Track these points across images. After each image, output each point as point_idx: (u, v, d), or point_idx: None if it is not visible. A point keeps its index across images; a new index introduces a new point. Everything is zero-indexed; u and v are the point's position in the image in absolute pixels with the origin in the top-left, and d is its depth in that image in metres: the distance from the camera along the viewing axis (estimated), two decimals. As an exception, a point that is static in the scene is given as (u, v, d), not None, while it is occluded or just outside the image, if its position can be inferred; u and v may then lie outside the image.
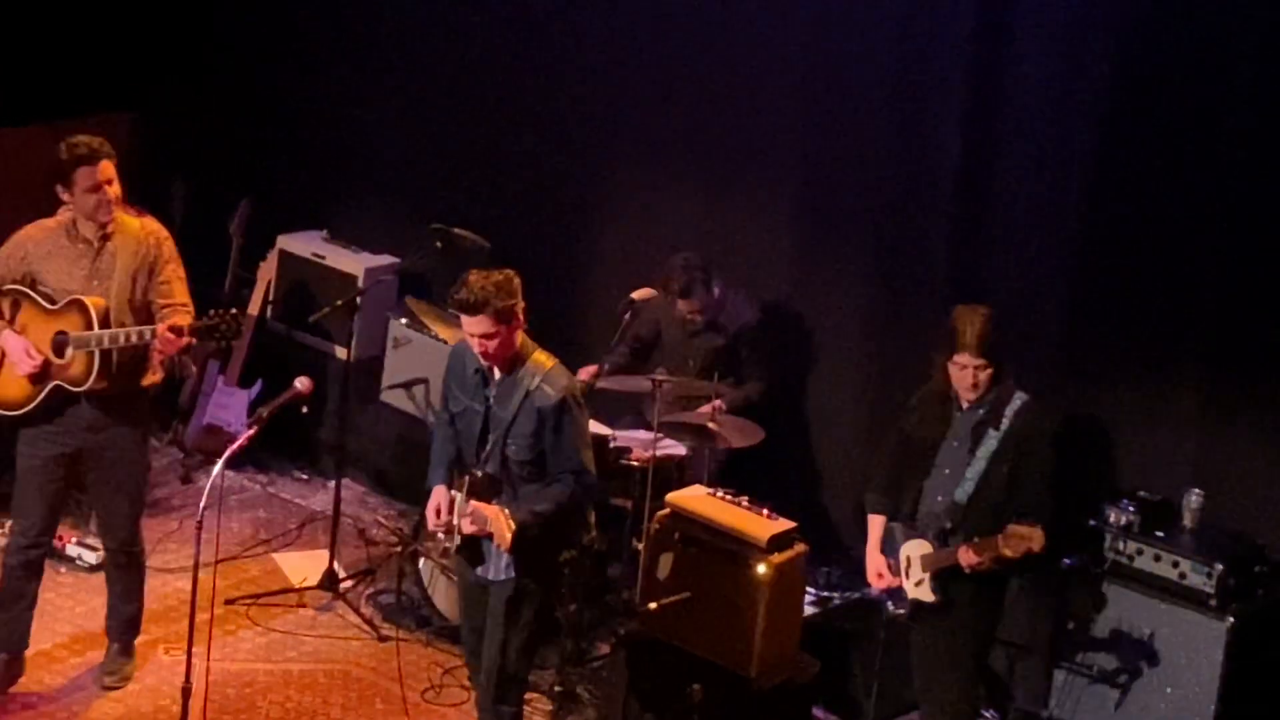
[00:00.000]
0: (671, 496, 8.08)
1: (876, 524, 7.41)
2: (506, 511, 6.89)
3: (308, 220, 10.32)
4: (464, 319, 6.89)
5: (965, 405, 7.19)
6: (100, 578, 8.51)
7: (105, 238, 7.56)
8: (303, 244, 10.19)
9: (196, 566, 6.71)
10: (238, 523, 9.50)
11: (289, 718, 8.04)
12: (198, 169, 10.55)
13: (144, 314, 7.55)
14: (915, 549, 7.24)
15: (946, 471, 7.22)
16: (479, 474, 7.01)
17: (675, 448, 8.61)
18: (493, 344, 6.88)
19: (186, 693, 6.75)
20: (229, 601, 8.72)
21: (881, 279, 8.90)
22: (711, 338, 8.87)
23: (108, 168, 7.49)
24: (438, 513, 7.06)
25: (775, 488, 8.42)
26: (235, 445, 6.97)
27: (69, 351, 7.47)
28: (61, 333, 7.48)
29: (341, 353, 9.59)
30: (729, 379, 8.79)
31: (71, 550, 8.83)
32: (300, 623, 8.73)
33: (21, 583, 7.87)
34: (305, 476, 10.04)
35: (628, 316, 8.62)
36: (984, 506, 7.12)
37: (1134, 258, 8.14)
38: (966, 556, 7.05)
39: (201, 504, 6.69)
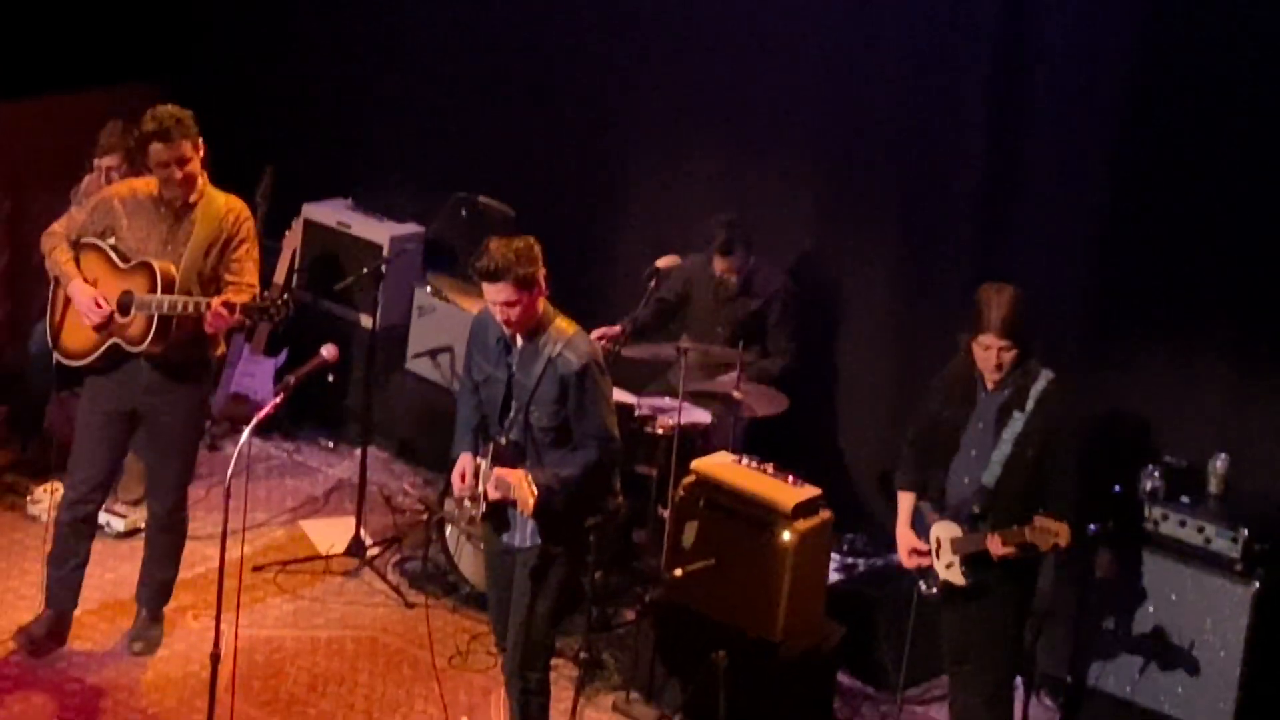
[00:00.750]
0: (697, 463, 8.10)
1: (906, 501, 7.36)
2: (530, 477, 6.89)
3: (333, 189, 10.32)
4: (485, 286, 6.87)
5: (990, 386, 7.12)
6: (129, 545, 8.57)
7: (188, 206, 7.62)
8: (328, 213, 10.20)
9: (224, 534, 6.72)
10: (265, 490, 9.51)
11: (317, 684, 8.06)
12: (222, 137, 10.52)
13: (212, 286, 7.62)
14: (945, 531, 7.18)
15: (973, 453, 7.16)
16: (503, 441, 7.01)
17: (700, 415, 8.60)
18: (514, 311, 6.87)
19: (215, 659, 6.76)
20: (257, 568, 8.75)
21: (908, 249, 8.90)
22: (743, 304, 8.86)
23: (182, 148, 7.53)
24: (463, 478, 7.07)
25: (800, 455, 8.42)
26: (262, 413, 6.96)
27: (131, 311, 7.53)
28: (127, 292, 7.56)
29: (367, 321, 9.59)
30: (755, 347, 8.79)
31: (100, 517, 8.79)
32: (327, 590, 8.76)
33: (73, 540, 7.92)
34: (331, 444, 10.06)
35: (652, 284, 8.61)
36: (1011, 492, 7.04)
37: (1163, 225, 8.12)
38: (995, 546, 6.99)
39: (229, 472, 6.69)
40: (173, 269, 7.54)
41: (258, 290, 7.62)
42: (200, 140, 7.61)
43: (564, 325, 6.98)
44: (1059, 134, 8.37)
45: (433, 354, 9.66)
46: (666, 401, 8.62)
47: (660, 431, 8.50)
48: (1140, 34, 8.08)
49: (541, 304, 6.94)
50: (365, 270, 9.28)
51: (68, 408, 9.00)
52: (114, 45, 10.29)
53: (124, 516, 8.89)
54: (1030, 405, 7.04)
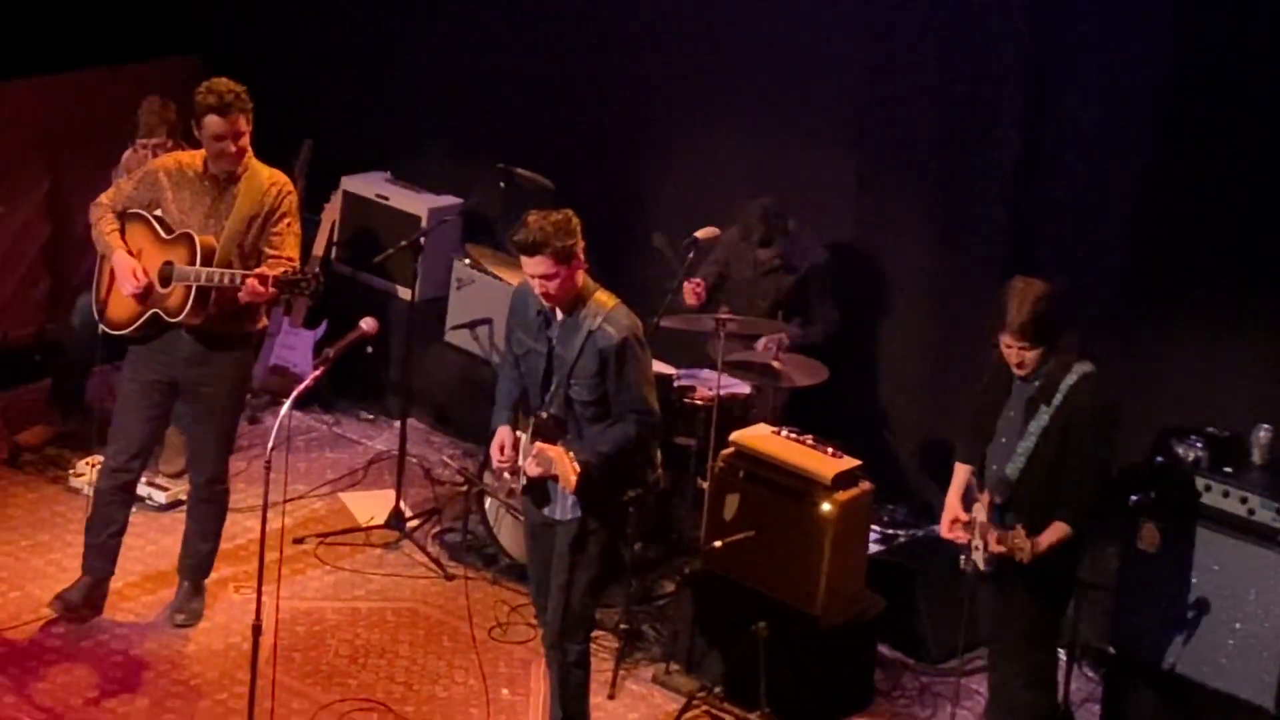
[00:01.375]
0: (736, 435, 8.08)
1: (960, 473, 7.27)
2: (571, 453, 6.87)
3: (371, 161, 10.31)
4: (524, 260, 6.84)
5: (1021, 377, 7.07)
6: (170, 517, 8.59)
7: (233, 180, 7.65)
8: (367, 185, 10.19)
9: (265, 506, 6.72)
10: (305, 463, 9.53)
11: (357, 655, 8.07)
12: (260, 111, 10.51)
13: (253, 259, 7.64)
14: (980, 513, 7.11)
15: (1003, 441, 7.09)
16: (544, 415, 6.99)
17: (739, 386, 8.58)
18: (553, 284, 6.83)
19: (256, 630, 6.78)
20: (297, 541, 8.76)
21: (946, 221, 8.88)
22: (783, 277, 8.82)
23: (238, 122, 7.57)
24: (501, 450, 7.05)
25: (840, 427, 8.40)
26: (302, 386, 6.96)
27: (172, 282, 7.56)
28: (168, 263, 7.60)
29: (405, 293, 9.58)
30: (795, 319, 8.75)
31: (142, 490, 8.88)
32: (367, 562, 8.77)
33: (111, 508, 7.95)
34: (371, 416, 10.06)
35: (691, 255, 8.58)
36: (1032, 486, 6.96)
37: (1203, 194, 8.08)
38: (992, 542, 6.95)
39: (269, 444, 6.70)
40: (213, 241, 7.56)
41: (296, 265, 7.62)
42: (251, 114, 7.63)
43: (604, 298, 6.94)
44: (1097, 104, 8.33)
45: (471, 326, 9.65)
46: (705, 373, 8.59)
47: (699, 403, 8.47)
48: (1181, 7, 8.01)
49: (581, 277, 6.91)
50: (404, 242, 9.26)
51: (110, 380, 9.05)
52: (152, 19, 10.29)
53: (166, 489, 8.91)
54: (1058, 399, 6.95)
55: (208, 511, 8.08)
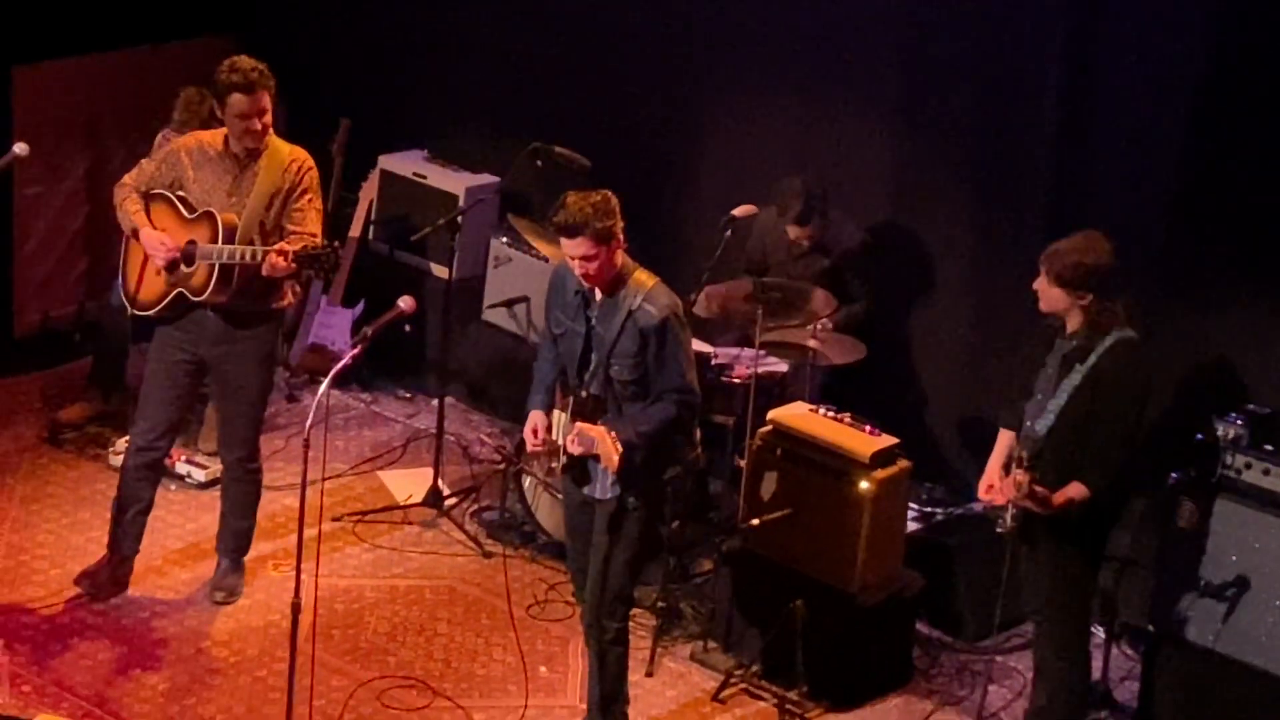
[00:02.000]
0: (774, 413, 8.07)
1: (1004, 438, 7.26)
2: (613, 433, 6.85)
3: (408, 140, 10.31)
4: (563, 241, 6.83)
5: (1066, 332, 7.04)
6: (210, 495, 8.60)
7: (253, 157, 7.67)
8: (404, 164, 10.19)
9: (304, 484, 6.72)
10: (343, 441, 9.54)
11: (396, 633, 8.08)
12: (298, 90, 10.51)
13: (276, 236, 7.66)
14: (1015, 474, 7.11)
15: (1038, 397, 7.09)
16: (584, 395, 6.98)
17: (776, 365, 8.56)
18: (593, 265, 6.81)
19: (296, 608, 6.78)
20: (336, 519, 8.79)
21: (983, 200, 8.84)
22: (817, 259, 8.78)
23: (262, 99, 7.58)
24: (535, 433, 7.04)
25: (877, 405, 8.36)
26: (340, 364, 6.95)
27: (195, 261, 7.57)
28: (191, 242, 7.62)
29: (442, 272, 9.57)
30: (835, 298, 8.71)
31: (181, 468, 8.91)
32: (406, 539, 8.78)
33: (138, 486, 7.98)
34: (408, 395, 10.07)
35: (728, 233, 8.54)
36: (1059, 444, 6.95)
37: (1243, 171, 8.03)
38: (1007, 489, 6.95)
39: (308, 422, 6.69)
40: (235, 219, 7.58)
41: (319, 240, 7.61)
42: (274, 91, 7.65)
43: (643, 278, 6.92)
44: (1137, 79, 8.28)
45: (509, 304, 9.65)
46: (743, 351, 8.56)
47: (737, 381, 8.45)
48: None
49: (620, 257, 6.89)
50: (441, 221, 9.25)
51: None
52: (189, 1, 10.29)
53: (205, 467, 8.93)
54: (1092, 360, 6.94)
55: (241, 490, 8.10)
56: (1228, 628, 7.52)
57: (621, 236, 6.86)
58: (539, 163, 9.25)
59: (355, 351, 6.99)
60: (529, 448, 7.12)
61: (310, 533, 6.95)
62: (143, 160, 7.94)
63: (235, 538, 8.16)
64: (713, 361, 8.55)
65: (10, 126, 9.32)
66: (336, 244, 7.58)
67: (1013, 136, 8.68)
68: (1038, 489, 6.84)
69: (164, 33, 10.05)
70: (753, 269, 8.84)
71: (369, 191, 10.21)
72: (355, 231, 10.12)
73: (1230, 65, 8.00)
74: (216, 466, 8.79)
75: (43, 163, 9.29)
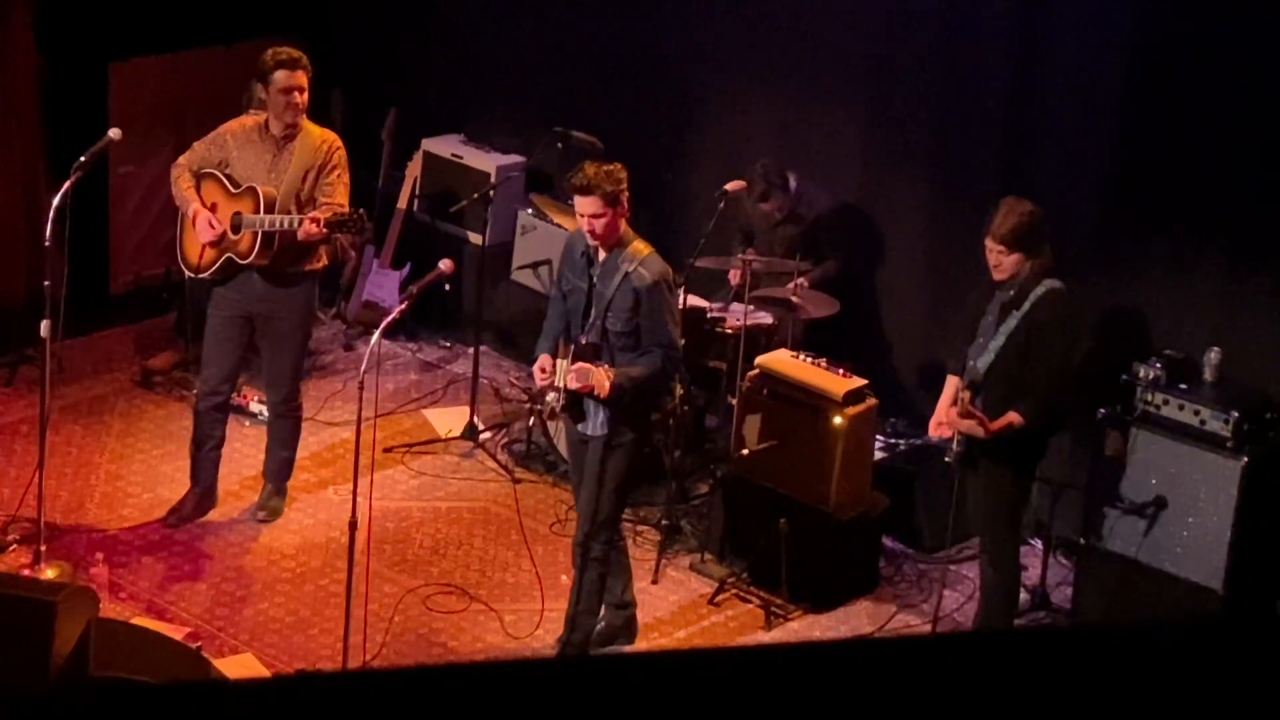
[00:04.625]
0: (760, 359, 8.10)
1: (950, 383, 7.31)
2: (606, 367, 6.90)
3: (448, 125, 10.31)
4: (577, 199, 6.89)
5: (1004, 285, 7.09)
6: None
7: (289, 138, 7.68)
8: (443, 146, 10.19)
9: (359, 420, 6.79)
10: (392, 384, 9.56)
11: (439, 547, 8.14)
12: (353, 83, 10.56)
13: (310, 207, 7.67)
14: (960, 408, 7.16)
15: (980, 341, 7.13)
16: (584, 341, 6.99)
17: (763, 317, 8.60)
18: (599, 223, 6.85)
19: (353, 526, 6.85)
20: (386, 450, 8.82)
21: (941, 170, 8.81)
22: (792, 227, 8.81)
23: (301, 77, 7.62)
24: (542, 370, 7.03)
25: (850, 352, 8.39)
26: (390, 318, 7.01)
27: (241, 230, 7.61)
28: (237, 213, 7.64)
29: (477, 239, 9.61)
30: (809, 259, 8.75)
31: (254, 407, 8.94)
32: (446, 467, 8.83)
33: (209, 425, 8.03)
34: (448, 344, 10.09)
35: (721, 205, 8.58)
36: (997, 378, 7.00)
37: (1166, 144, 8.02)
38: (952, 418, 7.01)
39: (362, 368, 6.76)
40: (274, 192, 7.61)
41: (346, 210, 7.64)
42: (310, 74, 7.68)
43: (641, 246, 6.97)
44: (1074, 63, 8.23)
45: (534, 266, 9.66)
46: (734, 306, 8.61)
47: (729, 331, 8.50)
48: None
49: (623, 224, 6.93)
50: (476, 195, 9.29)
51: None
52: (263, 4, 10.29)
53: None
54: (1026, 306, 6.99)
55: (284, 425, 8.14)
56: (1147, 540, 7.57)
57: (626, 205, 6.90)
58: (559, 144, 9.28)
59: (402, 307, 7.05)
60: (537, 383, 7.14)
61: (365, 462, 7.01)
62: (195, 143, 7.95)
63: (278, 466, 8.19)
64: (709, 314, 8.59)
65: (107, 114, 9.35)
66: (361, 211, 7.60)
67: (966, 117, 8.65)
68: (974, 410, 6.88)
69: (238, 33, 10.05)
70: (742, 237, 8.89)
71: (413, 170, 10.22)
72: (402, 204, 10.13)
73: (1160, 49, 7.96)
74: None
75: (134, 146, 9.30)
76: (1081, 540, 7.80)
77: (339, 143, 7.79)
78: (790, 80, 9.24)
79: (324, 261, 7.97)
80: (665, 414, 7.13)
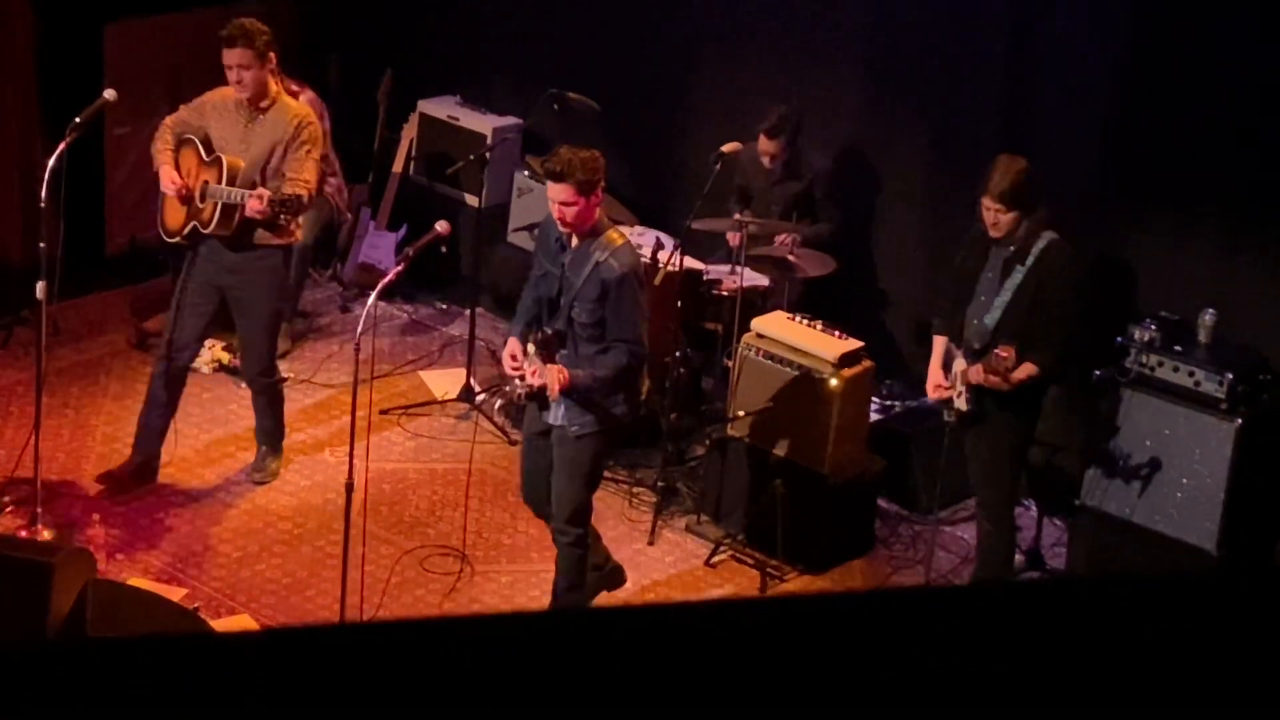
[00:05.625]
0: (757, 321, 8.10)
1: (939, 344, 7.34)
2: (565, 371, 6.71)
3: (444, 87, 10.29)
4: (549, 185, 6.65)
5: (1003, 242, 7.08)
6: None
7: (262, 110, 7.62)
8: (440, 108, 10.18)
9: (355, 383, 6.78)
10: (388, 345, 9.59)
11: (435, 508, 8.16)
12: (349, 45, 10.53)
13: (277, 180, 7.61)
14: (959, 365, 7.18)
15: (982, 299, 7.14)
16: (549, 331, 6.81)
17: (759, 279, 8.59)
18: (570, 211, 6.62)
19: (349, 488, 6.84)
20: (383, 412, 8.83)
21: (938, 132, 8.81)
22: (790, 185, 8.80)
23: (240, 55, 7.49)
24: (513, 358, 6.87)
25: (846, 313, 8.40)
26: (386, 280, 7.00)
27: (206, 198, 7.60)
28: (205, 182, 7.63)
29: (473, 201, 9.60)
30: (806, 219, 8.75)
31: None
32: (442, 429, 8.83)
33: (160, 387, 7.94)
34: (444, 306, 10.09)
35: (718, 166, 8.57)
36: (1006, 332, 7.01)
37: (1161, 108, 8.03)
38: (975, 374, 7.00)
39: (358, 330, 6.75)
40: (240, 163, 7.56)
41: (312, 186, 7.60)
42: (269, 52, 7.56)
43: (614, 236, 6.78)
44: (1073, 24, 8.23)
45: (530, 228, 9.60)
46: (731, 268, 8.60)
47: (725, 293, 8.49)
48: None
49: (597, 212, 6.72)
50: (472, 157, 9.27)
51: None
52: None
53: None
54: (1030, 261, 7.01)
55: (263, 399, 8.11)
56: (1142, 501, 7.59)
57: (601, 194, 6.69)
58: (555, 106, 9.25)
59: (399, 269, 7.03)
60: (507, 370, 6.95)
61: (361, 424, 7.01)
62: (181, 106, 7.92)
63: (267, 432, 8.19)
64: (705, 277, 8.58)
65: (102, 75, 9.32)
66: (302, 195, 7.48)
67: (965, 76, 8.63)
68: (997, 366, 6.86)
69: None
70: (739, 197, 8.87)
71: (410, 132, 10.21)
72: (398, 167, 10.12)
73: (1158, 12, 7.97)
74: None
75: (130, 107, 9.26)
76: (1077, 501, 7.81)
77: (312, 118, 7.73)
78: (788, 43, 9.22)
79: (296, 238, 7.94)
80: (632, 409, 6.99)
